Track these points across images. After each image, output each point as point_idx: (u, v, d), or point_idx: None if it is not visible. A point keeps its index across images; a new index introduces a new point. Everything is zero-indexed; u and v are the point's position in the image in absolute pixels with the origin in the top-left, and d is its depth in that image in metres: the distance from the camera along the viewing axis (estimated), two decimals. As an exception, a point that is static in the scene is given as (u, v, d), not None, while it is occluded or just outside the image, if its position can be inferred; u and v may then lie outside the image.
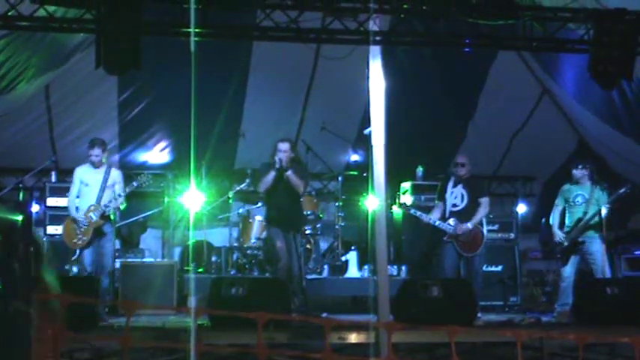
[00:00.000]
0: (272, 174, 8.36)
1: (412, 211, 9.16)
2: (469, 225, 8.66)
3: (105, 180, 8.52)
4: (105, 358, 7.19)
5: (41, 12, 7.15)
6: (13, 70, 8.55)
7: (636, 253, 10.95)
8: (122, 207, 8.65)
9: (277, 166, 8.29)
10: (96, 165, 8.57)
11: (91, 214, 8.39)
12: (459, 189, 8.88)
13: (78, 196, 8.58)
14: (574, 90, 10.37)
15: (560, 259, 9.07)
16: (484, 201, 8.87)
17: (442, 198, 8.97)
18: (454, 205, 8.85)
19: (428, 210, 9.39)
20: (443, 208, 8.91)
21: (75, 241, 8.47)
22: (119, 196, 8.48)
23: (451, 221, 8.72)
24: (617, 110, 9.80)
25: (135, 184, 8.63)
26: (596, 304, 7.99)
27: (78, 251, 8.53)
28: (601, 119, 10.32)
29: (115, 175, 8.64)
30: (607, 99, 9.66)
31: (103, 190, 8.49)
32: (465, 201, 8.82)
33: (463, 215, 8.75)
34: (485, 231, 8.90)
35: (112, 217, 8.57)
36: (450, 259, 8.73)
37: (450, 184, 8.93)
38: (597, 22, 7.62)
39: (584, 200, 8.88)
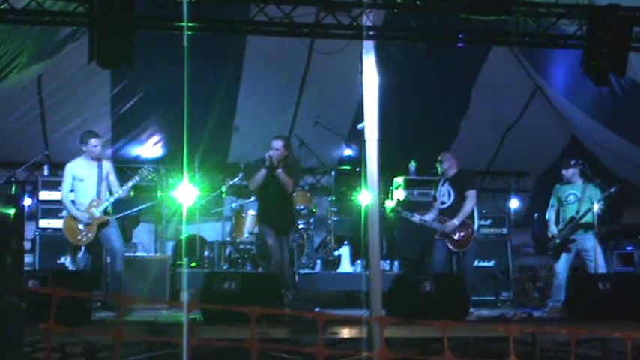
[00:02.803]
0: (262, 172, 8.34)
1: (403, 214, 9.13)
2: (455, 221, 8.66)
3: (100, 174, 8.37)
4: (97, 352, 7.21)
5: (33, 5, 7.13)
6: (4, 58, 8.50)
7: (628, 248, 10.99)
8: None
9: (267, 163, 8.27)
10: (97, 157, 8.38)
11: (94, 209, 8.24)
12: (446, 187, 8.91)
13: (72, 191, 8.42)
14: (564, 88, 10.39)
15: (551, 255, 9.10)
16: (469, 194, 8.83)
17: (435, 198, 9.01)
18: (442, 203, 8.89)
19: (420, 205, 9.42)
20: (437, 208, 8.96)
21: (79, 237, 8.27)
22: (127, 187, 8.38)
23: (440, 219, 8.73)
24: (608, 108, 9.83)
25: (137, 178, 8.46)
26: (588, 299, 7.99)
27: (83, 248, 8.33)
28: (591, 117, 10.34)
29: (107, 165, 8.49)
30: (597, 97, 9.68)
31: (100, 183, 8.35)
32: (452, 198, 8.83)
33: (450, 212, 8.76)
34: (476, 227, 8.90)
35: (109, 210, 8.43)
36: (440, 254, 8.74)
37: (440, 182, 8.98)
38: (591, 18, 7.63)
39: (576, 199, 8.93)
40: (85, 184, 8.36)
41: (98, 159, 8.43)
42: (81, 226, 8.27)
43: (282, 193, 8.44)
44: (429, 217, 8.89)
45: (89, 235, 8.27)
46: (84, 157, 8.44)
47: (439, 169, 8.97)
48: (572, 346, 3.52)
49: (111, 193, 8.42)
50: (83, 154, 8.45)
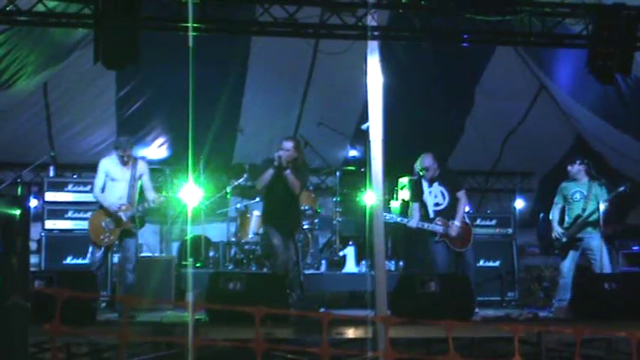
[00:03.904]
0: (270, 171, 8.32)
1: (400, 220, 9.10)
2: (457, 222, 8.67)
3: (133, 176, 8.33)
4: (102, 352, 7.22)
5: (40, 7, 7.15)
6: (13, 66, 8.53)
7: (634, 248, 10.97)
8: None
9: (275, 163, 8.26)
10: (125, 163, 8.36)
11: (122, 214, 8.22)
12: (437, 187, 8.85)
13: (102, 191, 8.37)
14: (569, 87, 10.37)
15: (558, 254, 9.08)
16: (462, 194, 8.86)
17: (419, 199, 8.93)
18: (437, 205, 8.82)
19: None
20: (421, 209, 8.90)
21: (102, 237, 8.24)
22: (152, 202, 8.38)
23: (439, 221, 8.71)
24: (613, 106, 9.81)
25: (152, 204, 8.47)
26: (593, 299, 7.97)
27: (102, 249, 8.30)
28: (597, 115, 10.32)
29: (142, 167, 8.46)
30: (603, 95, 9.66)
31: (132, 186, 8.33)
32: (447, 199, 8.81)
33: (447, 213, 8.74)
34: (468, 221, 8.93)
35: (136, 220, 8.37)
36: (443, 256, 8.70)
37: (425, 184, 8.89)
38: (596, 18, 7.62)
39: (582, 197, 8.88)
40: (116, 184, 8.34)
41: (133, 160, 8.42)
42: (105, 226, 8.24)
43: (289, 193, 8.43)
44: (415, 217, 8.85)
45: (111, 237, 8.26)
46: (117, 157, 8.41)
47: (422, 172, 8.90)
48: (577, 345, 3.51)
49: (140, 195, 8.40)
50: (118, 158, 8.41)
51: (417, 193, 8.98)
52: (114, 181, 8.34)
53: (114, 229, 8.24)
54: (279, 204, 8.48)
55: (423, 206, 8.90)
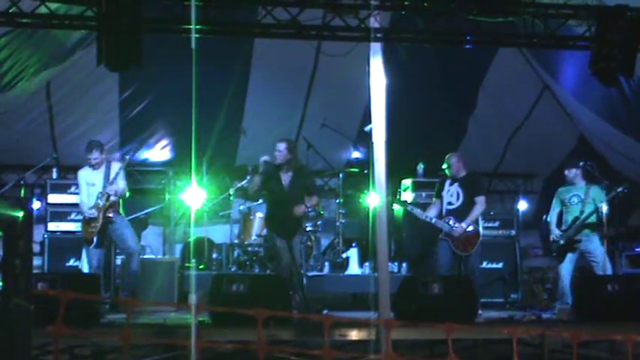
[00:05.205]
0: (257, 177, 8.49)
1: (409, 208, 9.14)
2: (463, 225, 8.61)
3: (107, 175, 8.63)
4: (105, 354, 7.21)
5: (42, 9, 7.16)
6: (14, 68, 8.56)
7: (637, 249, 10.95)
8: (128, 194, 8.87)
9: (261, 169, 8.38)
10: (95, 168, 8.70)
11: (99, 200, 8.53)
12: (455, 187, 8.83)
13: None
14: (573, 88, 10.37)
15: (556, 257, 9.06)
16: (479, 200, 8.75)
17: (439, 196, 8.94)
18: (449, 204, 8.80)
19: (428, 207, 9.44)
20: (440, 206, 8.89)
21: (90, 230, 8.55)
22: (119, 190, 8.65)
23: (448, 220, 8.69)
24: (616, 108, 9.80)
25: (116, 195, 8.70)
26: (596, 301, 7.97)
27: (95, 241, 8.54)
28: (600, 117, 10.31)
29: (116, 167, 8.73)
30: (606, 97, 9.66)
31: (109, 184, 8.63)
32: (460, 200, 8.76)
33: (458, 214, 8.69)
34: (481, 230, 8.86)
35: (121, 210, 8.76)
36: (446, 256, 8.70)
37: (447, 182, 8.90)
38: (599, 19, 7.60)
39: (579, 200, 8.90)
40: (95, 189, 8.65)
41: (99, 167, 8.71)
42: (92, 221, 8.55)
43: (290, 196, 8.44)
44: (431, 213, 8.85)
45: (97, 225, 8.52)
46: (89, 166, 8.76)
47: (448, 172, 8.93)
48: (574, 348, 3.51)
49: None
50: (87, 163, 8.77)
51: (437, 190, 9.01)
52: (93, 186, 8.69)
53: (96, 216, 8.51)
54: (280, 207, 8.49)
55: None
